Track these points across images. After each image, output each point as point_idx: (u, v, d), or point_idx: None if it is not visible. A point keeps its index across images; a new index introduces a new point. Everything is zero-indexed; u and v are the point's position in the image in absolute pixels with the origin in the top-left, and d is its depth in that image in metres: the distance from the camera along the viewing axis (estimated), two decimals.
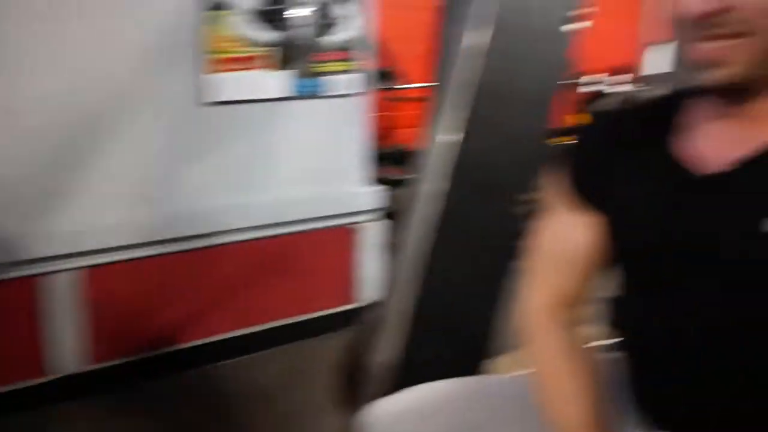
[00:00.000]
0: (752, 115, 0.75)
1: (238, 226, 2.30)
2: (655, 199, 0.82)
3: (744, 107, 0.75)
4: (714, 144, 0.78)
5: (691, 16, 0.71)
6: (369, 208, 2.57)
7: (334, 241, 2.55)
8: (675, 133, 0.83)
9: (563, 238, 0.94)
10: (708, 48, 0.71)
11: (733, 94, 0.74)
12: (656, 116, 0.86)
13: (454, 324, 1.52)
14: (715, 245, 0.75)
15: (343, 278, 2.60)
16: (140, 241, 2.12)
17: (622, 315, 0.90)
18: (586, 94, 5.87)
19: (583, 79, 5.97)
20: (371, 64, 2.48)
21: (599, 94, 5.74)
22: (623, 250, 0.87)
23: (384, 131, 4.62)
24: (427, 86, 1.62)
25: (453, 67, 1.39)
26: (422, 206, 1.44)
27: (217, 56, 2.12)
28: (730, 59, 0.70)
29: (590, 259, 0.91)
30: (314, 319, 2.56)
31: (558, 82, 1.46)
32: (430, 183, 1.42)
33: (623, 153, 0.86)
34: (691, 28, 0.72)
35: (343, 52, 2.35)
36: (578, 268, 0.92)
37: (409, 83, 4.01)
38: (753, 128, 0.75)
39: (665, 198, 0.81)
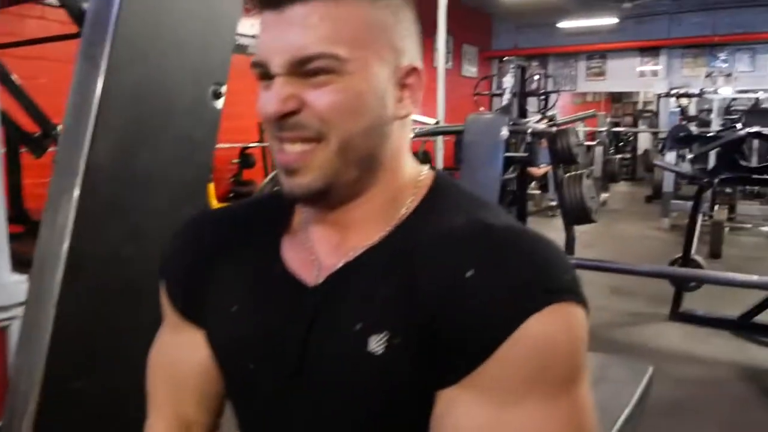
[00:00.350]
0: (344, 222, 0.72)
1: None
2: (256, 311, 0.74)
3: (334, 213, 0.71)
4: (316, 251, 0.73)
5: (269, 117, 0.65)
6: (20, 300, 2.14)
7: None
8: (286, 235, 0.76)
9: (172, 358, 0.81)
10: (288, 152, 0.67)
11: (319, 201, 0.70)
12: (270, 215, 0.79)
13: None
14: (314, 365, 0.69)
15: None
16: None
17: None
18: None
19: None
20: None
21: None
22: (221, 366, 0.78)
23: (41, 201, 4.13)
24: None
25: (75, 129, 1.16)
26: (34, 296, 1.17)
27: None
28: (307, 165, 0.67)
29: (206, 381, 0.80)
30: None
31: (201, 161, 1.32)
32: (43, 274, 1.15)
33: (227, 256, 0.78)
34: (273, 130, 0.68)
35: None
36: (196, 393, 0.81)
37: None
38: (346, 235, 0.71)
39: (267, 311, 0.73)
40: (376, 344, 0.65)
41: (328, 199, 0.70)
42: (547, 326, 0.61)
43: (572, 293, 0.63)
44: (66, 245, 1.11)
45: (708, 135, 4.96)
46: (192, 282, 0.79)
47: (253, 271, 0.76)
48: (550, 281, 0.63)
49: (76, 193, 1.10)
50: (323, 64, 0.65)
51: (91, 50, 1.14)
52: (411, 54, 0.71)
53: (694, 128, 5.31)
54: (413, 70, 0.71)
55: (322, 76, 0.65)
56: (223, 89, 1.30)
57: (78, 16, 1.97)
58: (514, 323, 0.60)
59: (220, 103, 1.30)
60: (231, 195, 6.54)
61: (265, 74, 0.67)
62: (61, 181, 1.13)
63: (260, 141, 6.59)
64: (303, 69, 0.65)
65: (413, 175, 0.75)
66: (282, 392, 0.72)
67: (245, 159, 6.53)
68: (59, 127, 3.23)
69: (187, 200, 1.30)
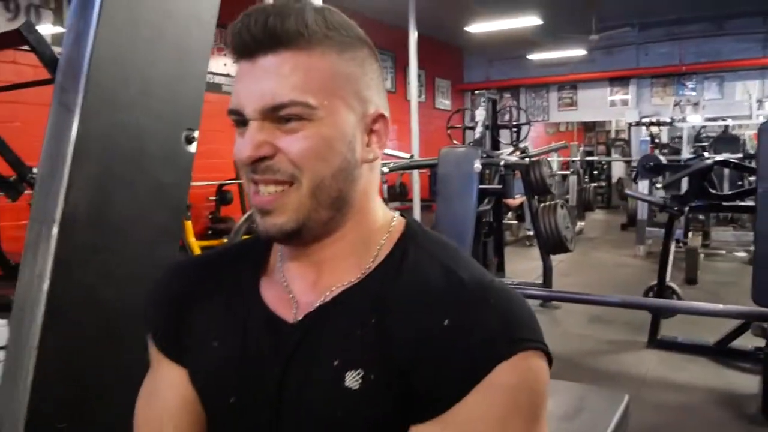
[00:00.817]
0: (317, 260, 0.76)
1: None
2: (237, 347, 0.77)
3: (309, 252, 0.76)
4: (293, 289, 0.77)
5: (243, 162, 0.70)
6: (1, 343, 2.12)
7: None
8: (264, 275, 0.80)
9: (158, 397, 0.83)
10: (262, 194, 0.72)
11: (293, 240, 0.74)
12: (247, 257, 0.83)
13: None
14: (293, 399, 0.72)
15: None
16: None
17: None
18: None
19: None
20: None
21: None
22: (203, 401, 0.80)
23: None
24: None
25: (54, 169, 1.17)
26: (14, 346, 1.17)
27: None
28: (281, 206, 0.71)
29: (190, 418, 0.81)
30: None
31: (176, 202, 1.34)
32: (23, 318, 1.16)
33: (208, 299, 0.81)
34: (247, 173, 0.72)
35: None
36: (180, 430, 0.81)
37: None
38: (321, 274, 0.76)
39: (247, 346, 0.76)
40: (352, 380, 0.69)
41: (301, 237, 0.74)
42: (513, 373, 0.67)
43: (536, 342, 0.69)
44: (45, 289, 1.12)
45: (677, 164, 5.06)
46: (175, 324, 0.82)
47: (234, 310, 0.79)
48: (516, 332, 0.69)
49: (54, 238, 1.12)
50: (294, 111, 0.69)
51: (65, 98, 1.17)
52: (377, 102, 0.76)
53: (662, 157, 5.41)
54: (379, 117, 0.76)
55: (294, 122, 0.70)
56: (196, 134, 1.32)
57: (50, 63, 1.99)
58: (484, 370, 0.66)
59: (193, 148, 1.32)
60: (209, 232, 6.51)
61: (240, 121, 0.72)
62: (39, 227, 1.14)
63: (237, 178, 6.61)
64: (275, 115, 0.70)
65: (385, 220, 0.80)
66: (262, 426, 0.74)
67: (222, 196, 6.53)
68: (35, 170, 3.22)
69: (162, 242, 1.31)
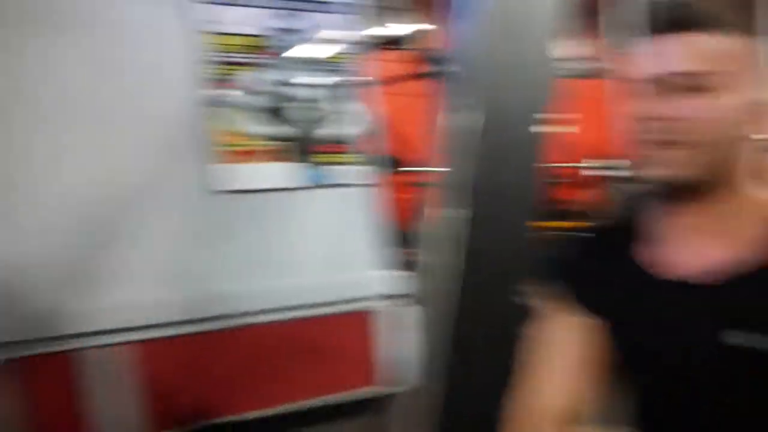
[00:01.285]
0: (694, 226, 0.85)
1: (257, 309, 2.31)
2: (639, 306, 0.91)
3: (687, 211, 0.85)
4: (677, 254, 0.87)
5: (647, 118, 0.83)
6: (387, 292, 2.56)
7: (349, 325, 2.53)
8: (642, 240, 0.92)
9: (555, 345, 0.99)
10: (654, 149, 0.83)
11: (671, 192, 0.86)
12: (628, 228, 0.96)
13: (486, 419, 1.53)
14: (686, 353, 0.84)
15: (362, 361, 2.57)
16: (170, 320, 2.17)
17: (636, 414, 0.96)
18: (605, 177, 6.01)
19: (592, 163, 6.17)
20: (379, 152, 2.55)
21: (622, 178, 5.78)
22: (622, 353, 0.94)
23: (406, 215, 4.70)
24: (436, 170, 1.76)
25: (455, 154, 1.48)
26: (438, 291, 1.51)
27: (224, 149, 2.24)
28: (666, 160, 0.83)
29: (593, 365, 0.96)
30: (331, 402, 2.51)
31: (537, 174, 1.56)
32: (442, 268, 1.49)
33: (599, 263, 0.97)
34: (645, 128, 0.84)
35: (350, 143, 2.42)
36: (581, 374, 0.96)
37: (418, 167, 4.11)
38: (701, 243, 0.85)
39: (646, 305, 0.90)
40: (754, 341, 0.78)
41: (678, 190, 0.85)
42: None
43: None
44: (461, 255, 1.48)
45: None
46: (592, 279, 0.98)
47: (628, 271, 0.93)
48: None
49: (467, 210, 1.46)
50: (696, 82, 0.81)
51: (458, 92, 1.51)
52: (763, 89, 0.85)
53: None
54: (764, 103, 0.85)
55: (693, 91, 0.81)
56: (546, 116, 1.56)
57: (429, 60, 2.39)
58: None
59: (544, 128, 1.55)
60: (548, 213, 6.63)
61: (650, 86, 0.83)
62: (454, 200, 1.49)
63: (576, 162, 6.59)
64: (678, 83, 0.82)
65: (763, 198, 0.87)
66: (662, 379, 0.88)
67: (559, 179, 6.61)
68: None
69: (523, 211, 1.56)
